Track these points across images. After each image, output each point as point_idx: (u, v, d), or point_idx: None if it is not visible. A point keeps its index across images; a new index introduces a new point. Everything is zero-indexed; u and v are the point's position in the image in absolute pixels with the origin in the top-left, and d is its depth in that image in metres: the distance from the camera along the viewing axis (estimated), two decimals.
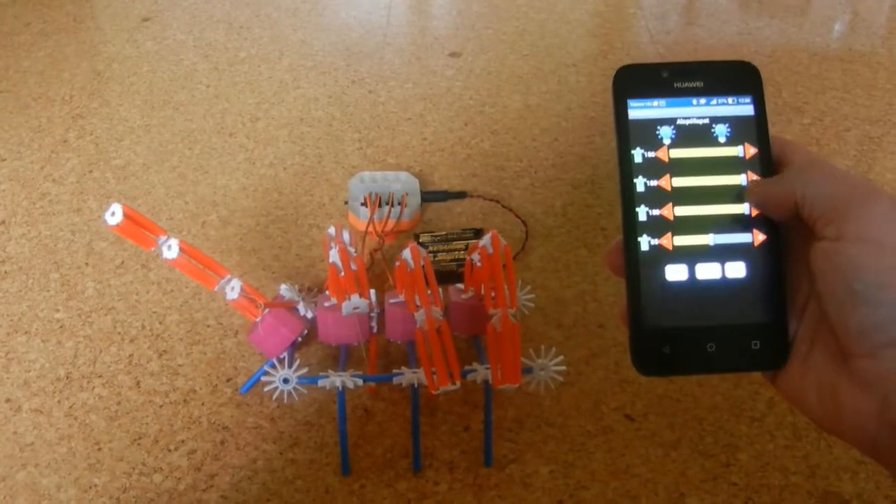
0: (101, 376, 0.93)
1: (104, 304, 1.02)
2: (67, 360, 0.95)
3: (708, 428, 0.87)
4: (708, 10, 1.72)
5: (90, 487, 0.82)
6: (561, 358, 0.81)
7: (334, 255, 0.82)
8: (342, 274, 0.82)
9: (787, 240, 0.45)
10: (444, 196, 1.17)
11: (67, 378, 0.93)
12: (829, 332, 0.41)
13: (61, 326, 0.99)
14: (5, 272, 1.07)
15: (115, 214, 0.76)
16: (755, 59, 0.46)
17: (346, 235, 0.87)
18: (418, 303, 0.80)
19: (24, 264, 1.08)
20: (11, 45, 1.60)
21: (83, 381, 0.93)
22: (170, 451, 0.85)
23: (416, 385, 0.81)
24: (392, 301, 0.87)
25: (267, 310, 0.86)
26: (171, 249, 0.80)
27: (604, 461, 0.84)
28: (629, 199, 0.45)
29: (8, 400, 0.91)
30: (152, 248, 0.80)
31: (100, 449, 0.86)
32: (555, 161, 1.26)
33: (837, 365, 0.40)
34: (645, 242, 0.45)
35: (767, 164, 0.45)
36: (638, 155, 0.46)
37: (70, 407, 0.90)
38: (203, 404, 0.90)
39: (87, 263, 1.08)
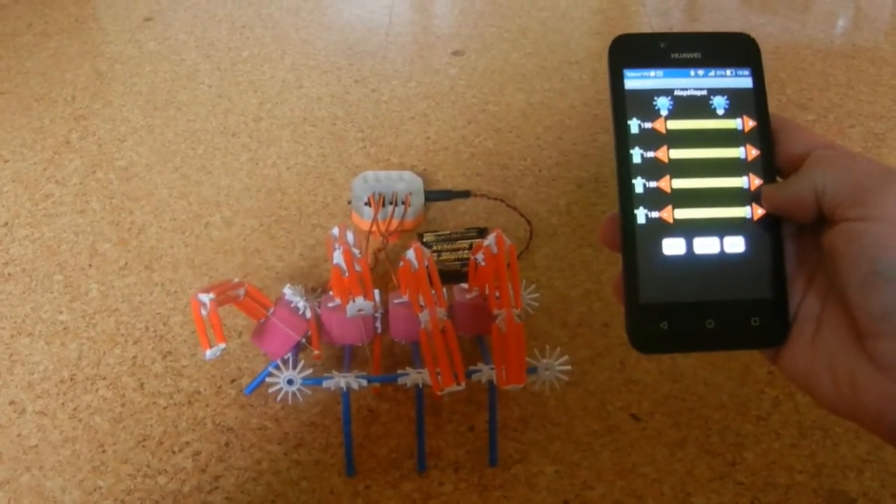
0: (104, 378, 0.93)
1: (108, 306, 1.02)
2: (71, 361, 0.95)
3: (714, 427, 0.87)
4: (710, 7, 1.71)
5: (95, 490, 0.82)
6: (566, 357, 0.81)
7: (338, 257, 0.81)
8: (346, 275, 0.82)
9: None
10: (448, 195, 1.17)
11: (71, 380, 0.93)
12: (842, 312, 0.41)
13: (65, 328, 0.99)
14: (9, 274, 1.07)
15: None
16: None
17: (349, 236, 0.87)
18: (422, 303, 0.80)
19: (27, 266, 1.08)
20: (13, 46, 1.60)
21: (87, 383, 0.92)
22: (174, 452, 0.85)
23: (420, 385, 0.81)
24: (396, 301, 0.86)
25: (272, 310, 0.86)
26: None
27: (609, 461, 0.84)
28: (625, 171, 0.45)
29: (12, 402, 0.91)
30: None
31: (104, 451, 0.85)
32: (559, 159, 1.26)
33: (853, 346, 0.40)
34: (641, 215, 0.44)
35: (766, 137, 0.45)
36: (634, 126, 0.45)
37: (74, 409, 0.90)
38: (207, 406, 0.90)
39: (90, 265, 1.08)
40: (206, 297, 0.77)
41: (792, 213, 0.43)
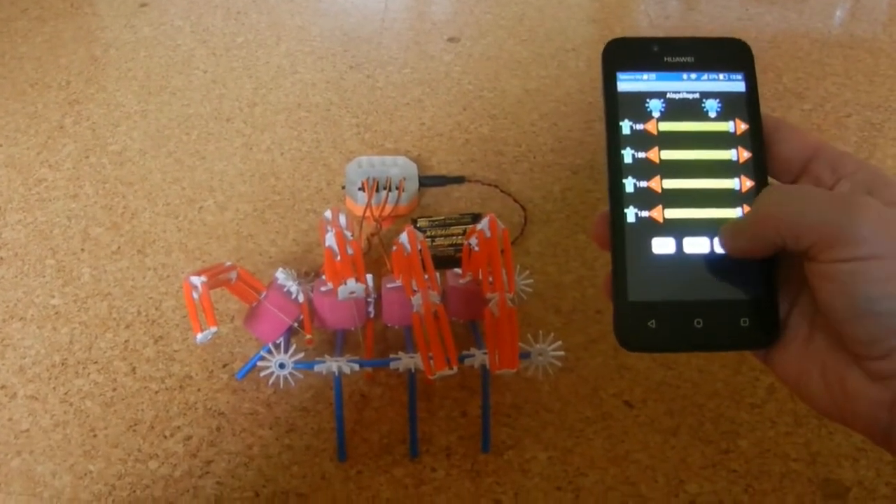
0: (96, 362, 0.92)
1: (100, 290, 1.01)
2: (63, 346, 0.94)
3: (708, 414, 0.86)
4: None
5: (85, 474, 0.81)
6: (559, 343, 0.81)
7: (330, 239, 0.81)
8: (338, 258, 0.81)
9: None
10: (443, 181, 1.17)
11: (63, 364, 0.92)
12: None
13: (57, 312, 0.99)
14: (1, 258, 1.06)
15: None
16: (756, 45, 0.46)
17: (342, 219, 0.86)
18: (415, 287, 0.80)
19: (19, 250, 1.08)
20: (8, 31, 1.59)
21: (78, 368, 0.92)
22: (165, 437, 0.85)
23: (413, 370, 0.81)
24: (389, 286, 0.86)
25: (264, 294, 0.86)
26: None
27: (602, 447, 0.83)
28: (616, 171, 0.45)
29: (3, 386, 0.90)
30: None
31: (95, 435, 0.85)
32: (554, 146, 1.25)
33: (845, 354, 0.39)
34: (631, 214, 0.44)
35: (758, 140, 0.45)
36: (626, 127, 0.45)
37: (65, 393, 0.89)
38: (199, 390, 0.89)
39: (82, 249, 1.07)
40: (197, 280, 0.77)
41: (756, 256, 0.42)
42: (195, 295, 0.77)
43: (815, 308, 0.42)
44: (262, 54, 1.50)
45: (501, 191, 1.15)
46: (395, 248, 0.83)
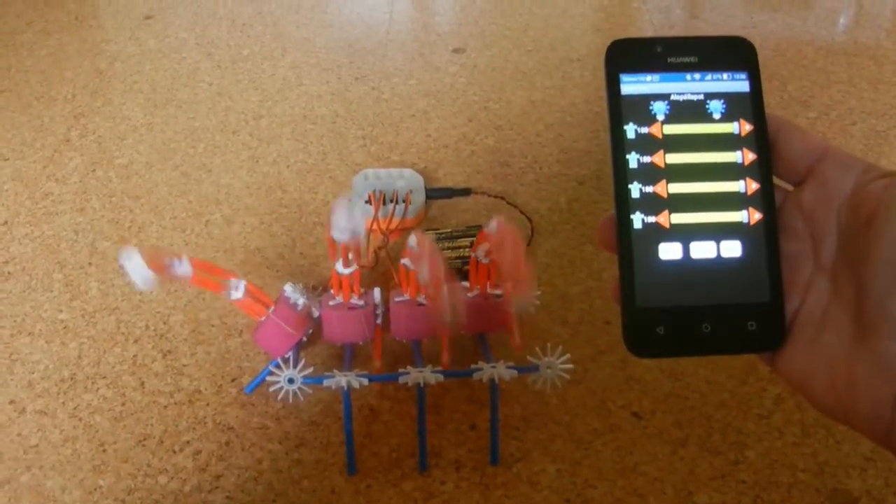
0: (105, 377, 0.93)
1: (108, 305, 1.02)
2: (71, 360, 0.95)
3: (716, 425, 0.86)
4: (712, 4, 1.71)
5: (95, 489, 0.82)
6: (567, 356, 0.81)
7: (340, 268, 0.81)
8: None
9: (785, 219, 0.44)
10: (449, 193, 1.17)
11: (72, 379, 0.93)
12: (845, 315, 0.40)
13: (65, 327, 0.99)
14: (8, 273, 1.07)
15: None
16: (760, 53, 0.45)
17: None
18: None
19: (27, 265, 1.08)
20: (13, 44, 1.60)
21: (87, 382, 0.92)
22: (175, 452, 0.85)
23: (421, 384, 0.81)
24: (397, 299, 0.86)
25: (272, 309, 0.86)
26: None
27: (611, 459, 0.83)
28: (621, 176, 0.45)
29: (12, 401, 0.90)
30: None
31: (104, 450, 0.85)
32: (559, 157, 1.25)
33: (854, 349, 0.39)
34: (638, 220, 0.44)
35: (763, 141, 0.45)
36: (630, 131, 0.45)
37: (74, 408, 0.90)
38: (208, 405, 0.89)
39: (90, 263, 1.08)
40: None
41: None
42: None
43: (826, 306, 0.42)
44: (267, 66, 1.51)
45: (508, 202, 1.15)
46: (403, 261, 0.83)
